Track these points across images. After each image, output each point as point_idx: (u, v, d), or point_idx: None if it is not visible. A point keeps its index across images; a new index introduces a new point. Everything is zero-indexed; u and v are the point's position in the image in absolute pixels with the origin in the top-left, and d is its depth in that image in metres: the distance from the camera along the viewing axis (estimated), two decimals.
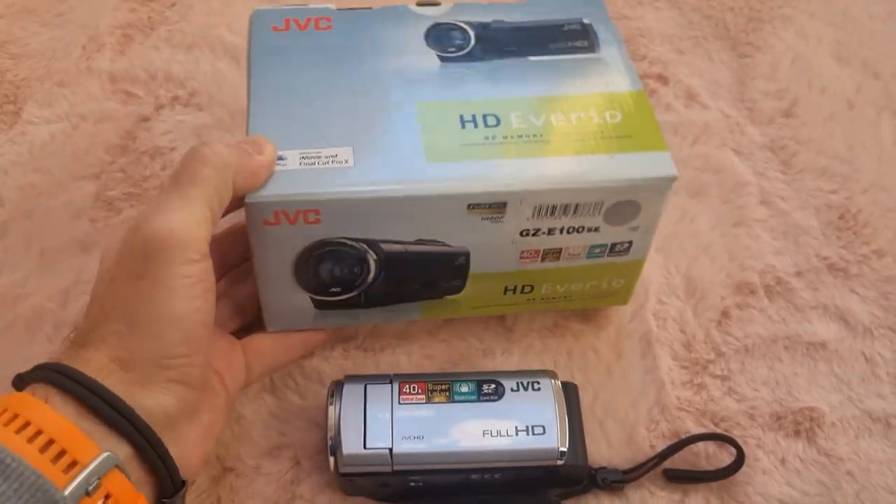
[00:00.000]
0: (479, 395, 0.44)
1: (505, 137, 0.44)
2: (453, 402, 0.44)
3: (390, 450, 0.42)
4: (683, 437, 0.48)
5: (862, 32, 0.67)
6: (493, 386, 0.44)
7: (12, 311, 0.53)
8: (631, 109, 0.46)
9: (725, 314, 0.53)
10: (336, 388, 0.44)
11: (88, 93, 0.63)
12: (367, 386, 0.44)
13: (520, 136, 0.44)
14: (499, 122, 0.45)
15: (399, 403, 0.43)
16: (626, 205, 0.44)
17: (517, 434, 0.43)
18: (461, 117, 0.45)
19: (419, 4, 0.50)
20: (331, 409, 0.44)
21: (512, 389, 0.44)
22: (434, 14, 0.50)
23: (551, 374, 0.45)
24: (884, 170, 0.60)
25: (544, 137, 0.44)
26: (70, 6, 0.67)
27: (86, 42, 0.65)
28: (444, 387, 0.44)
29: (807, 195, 0.59)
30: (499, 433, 0.43)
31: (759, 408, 0.50)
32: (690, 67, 0.64)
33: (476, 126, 0.45)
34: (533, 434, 0.43)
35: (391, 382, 0.44)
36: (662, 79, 0.63)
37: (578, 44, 0.49)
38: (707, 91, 0.63)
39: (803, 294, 0.54)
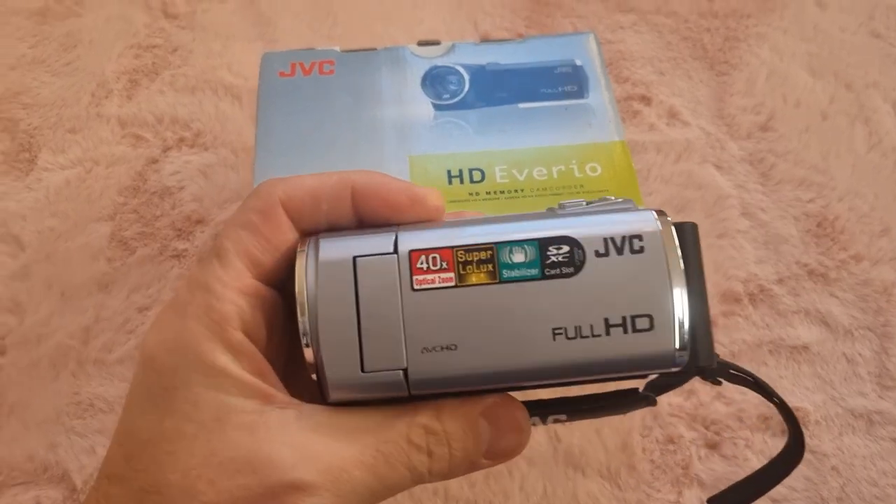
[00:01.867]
0: (544, 268, 0.28)
1: (488, 193, 0.47)
2: (501, 281, 0.28)
3: (405, 371, 0.28)
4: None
5: (833, 45, 0.70)
6: (565, 250, 0.29)
7: (36, 349, 0.56)
8: (611, 162, 0.48)
9: (712, 323, 0.56)
10: (308, 258, 0.29)
11: (99, 138, 0.66)
12: (358, 260, 0.29)
13: (502, 192, 0.47)
14: (483, 176, 0.47)
15: (413, 289, 0.28)
16: None
17: (608, 332, 0.28)
18: (448, 172, 0.48)
19: (420, 44, 0.53)
20: (301, 296, 0.29)
21: (597, 253, 0.29)
22: (432, 55, 0.53)
23: (656, 216, 0.29)
24: (858, 177, 0.63)
25: (525, 192, 0.47)
26: (77, 55, 0.70)
27: (94, 89, 0.69)
28: (484, 255, 0.29)
29: (786, 205, 0.61)
30: (578, 333, 0.28)
31: (746, 410, 0.52)
32: (671, 87, 0.67)
33: (462, 182, 0.47)
34: (634, 330, 0.28)
35: (396, 252, 0.29)
36: (645, 99, 0.66)
37: (569, 88, 0.51)
38: (688, 109, 0.66)
39: (785, 300, 0.57)
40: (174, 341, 0.29)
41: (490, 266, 0.28)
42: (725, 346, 0.55)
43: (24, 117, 0.67)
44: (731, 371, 0.33)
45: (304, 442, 0.29)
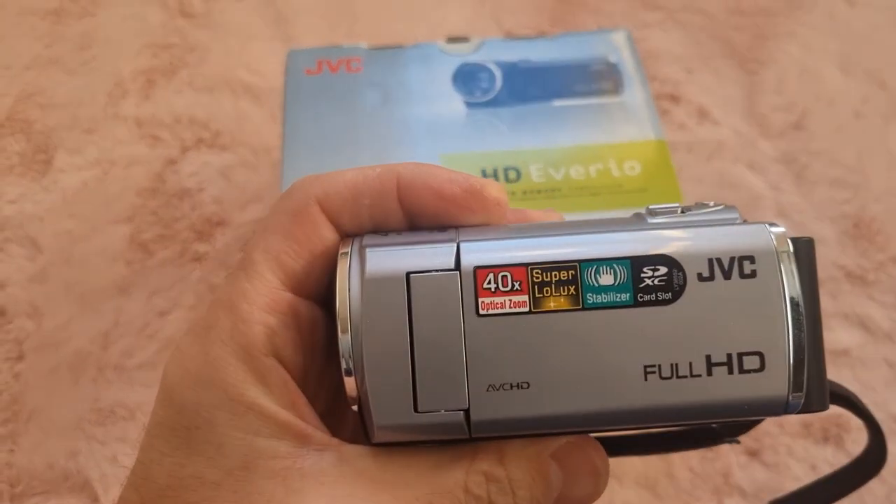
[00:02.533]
0: (637, 293, 0.24)
1: (525, 192, 0.45)
2: (585, 308, 0.24)
3: (466, 412, 0.24)
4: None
5: (865, 43, 0.68)
6: (663, 272, 0.24)
7: (56, 355, 0.55)
8: (650, 161, 0.47)
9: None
10: (351, 266, 0.25)
11: (116, 138, 0.65)
12: (412, 277, 0.24)
13: (539, 192, 0.46)
14: (519, 175, 0.46)
15: (478, 314, 0.24)
16: None
17: (710, 371, 0.24)
18: (483, 171, 0.46)
19: (449, 40, 0.52)
20: (342, 310, 0.24)
21: (700, 277, 0.24)
22: (462, 52, 0.52)
23: (771, 231, 0.25)
24: (894, 177, 0.61)
25: (563, 192, 0.45)
26: (93, 55, 0.69)
27: (111, 89, 0.67)
28: (565, 276, 0.24)
29: (821, 206, 0.60)
30: (675, 372, 0.24)
31: (788, 417, 0.51)
32: (700, 86, 0.66)
33: (497, 180, 0.46)
34: (741, 370, 0.24)
35: (458, 269, 0.24)
36: (674, 98, 0.65)
37: (604, 86, 0.50)
38: (718, 108, 0.64)
39: (823, 303, 0.56)
40: (196, 373, 0.25)
41: (572, 288, 0.24)
42: None
43: (39, 118, 0.66)
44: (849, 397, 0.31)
45: (343, 494, 0.25)
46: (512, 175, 0.46)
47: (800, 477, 0.49)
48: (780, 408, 0.24)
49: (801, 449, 0.50)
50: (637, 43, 0.68)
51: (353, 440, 0.26)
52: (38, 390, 0.53)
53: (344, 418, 0.29)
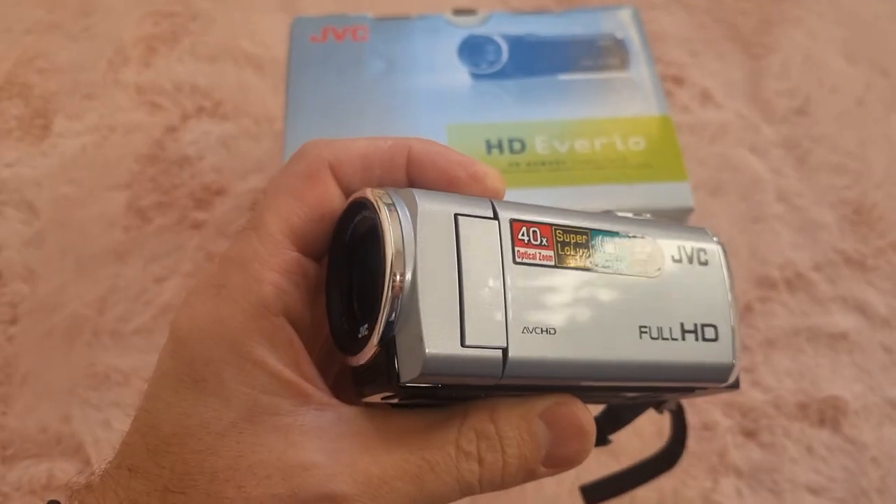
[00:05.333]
0: (632, 264, 0.27)
1: (529, 164, 0.45)
2: (597, 269, 0.26)
3: (504, 351, 0.24)
4: None
5: (869, 32, 0.68)
6: (646, 249, 0.28)
7: (51, 319, 0.54)
8: (655, 136, 0.47)
9: (748, 308, 0.55)
10: (397, 207, 0.25)
11: (116, 104, 0.64)
12: (459, 218, 0.25)
13: (543, 164, 0.45)
14: (524, 147, 0.46)
15: (515, 261, 0.25)
16: None
17: (683, 337, 0.27)
18: (487, 142, 0.46)
19: (455, 12, 0.52)
20: (392, 247, 0.24)
21: (673, 259, 0.28)
22: (469, 24, 0.51)
23: (712, 236, 0.29)
24: (895, 165, 0.61)
25: (567, 165, 0.45)
26: (95, 20, 0.69)
27: (112, 55, 0.67)
28: (581, 239, 0.26)
29: (822, 191, 0.60)
30: (661, 334, 0.27)
31: (784, 398, 0.51)
32: (704, 69, 0.66)
33: (501, 151, 0.46)
34: (703, 338, 0.28)
35: (496, 218, 0.25)
36: (678, 80, 0.65)
37: (610, 61, 0.50)
38: (721, 91, 0.64)
39: (822, 287, 0.56)
40: (207, 328, 0.26)
41: (587, 251, 0.26)
42: (762, 332, 0.53)
43: (39, 82, 0.65)
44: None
45: (341, 448, 0.25)
46: (517, 146, 0.46)
47: (795, 458, 0.49)
48: (726, 373, 0.28)
49: (798, 430, 0.50)
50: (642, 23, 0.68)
51: (353, 403, 0.27)
52: (31, 354, 0.53)
53: (342, 380, 0.29)
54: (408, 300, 0.24)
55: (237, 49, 0.67)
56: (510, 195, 0.29)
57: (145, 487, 0.25)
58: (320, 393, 0.26)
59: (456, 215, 0.25)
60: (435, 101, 0.48)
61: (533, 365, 0.25)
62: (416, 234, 0.24)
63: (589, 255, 0.26)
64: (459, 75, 0.49)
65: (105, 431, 0.50)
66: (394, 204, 0.25)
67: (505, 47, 0.50)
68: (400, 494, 0.25)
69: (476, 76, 0.49)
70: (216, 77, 0.66)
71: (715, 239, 0.29)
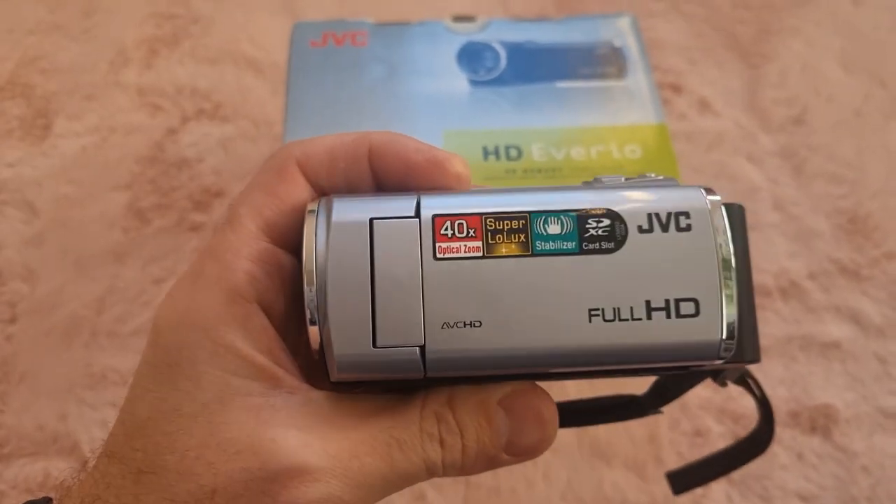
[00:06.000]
0: (582, 242, 0.26)
1: (525, 171, 0.46)
2: (534, 254, 0.25)
3: (421, 348, 0.25)
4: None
5: (867, 43, 0.68)
6: (606, 223, 0.26)
7: (49, 318, 0.55)
8: (651, 145, 0.47)
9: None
10: (318, 218, 0.26)
11: (117, 106, 0.64)
12: (375, 222, 0.26)
13: (539, 171, 0.46)
14: (520, 154, 0.46)
15: (435, 257, 0.25)
16: None
17: (649, 316, 0.25)
18: (484, 148, 0.46)
19: (455, 18, 0.52)
20: (308, 263, 0.26)
21: (641, 229, 0.26)
22: (468, 30, 0.52)
23: (705, 193, 0.27)
24: (892, 175, 0.61)
25: (563, 172, 0.46)
26: (96, 22, 0.69)
27: (113, 57, 0.67)
28: (516, 224, 0.26)
29: (817, 200, 0.60)
30: (617, 315, 0.25)
31: (776, 405, 0.51)
32: (702, 77, 0.66)
33: (498, 158, 0.46)
34: (678, 315, 0.25)
35: (418, 216, 0.26)
36: (676, 88, 0.65)
37: (607, 69, 0.50)
38: (719, 100, 0.65)
39: (816, 296, 0.56)
40: (182, 316, 0.27)
41: (522, 236, 0.25)
42: None
43: (40, 83, 0.66)
44: (747, 378, 0.33)
45: (311, 425, 0.26)
46: (513, 153, 0.46)
47: (786, 465, 0.49)
48: (713, 352, 0.26)
49: (789, 437, 0.50)
50: (641, 32, 0.68)
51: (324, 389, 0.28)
52: (30, 353, 0.53)
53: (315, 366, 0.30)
54: (323, 306, 0.25)
55: (237, 52, 0.67)
56: None
57: (120, 471, 0.26)
58: (291, 377, 0.27)
59: (371, 220, 0.26)
60: (433, 106, 0.48)
61: (457, 360, 0.25)
62: (328, 244, 0.25)
63: (526, 240, 0.25)
64: (458, 82, 0.49)
65: (101, 431, 0.51)
66: (317, 214, 0.26)
67: (503, 54, 0.51)
68: (369, 469, 0.26)
69: (474, 83, 0.49)
70: (216, 79, 0.66)
71: (707, 200, 0.26)
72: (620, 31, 0.52)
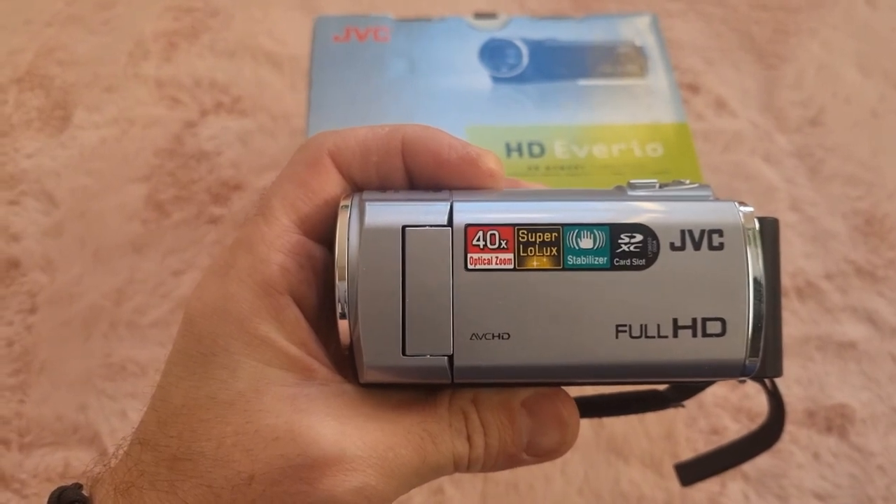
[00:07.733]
0: (613, 258, 0.26)
1: (548, 168, 0.46)
2: (565, 268, 0.26)
3: (450, 358, 0.26)
4: None
5: (883, 44, 0.69)
6: (638, 240, 0.26)
7: (68, 308, 0.55)
8: (672, 143, 0.47)
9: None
10: (351, 218, 0.27)
11: (136, 98, 0.65)
12: (407, 230, 0.26)
13: (562, 168, 0.46)
14: (543, 151, 0.46)
15: (466, 268, 0.26)
16: None
17: (676, 334, 0.26)
18: (507, 145, 0.47)
19: (476, 16, 0.52)
20: (341, 260, 0.26)
21: (672, 246, 0.26)
22: (490, 27, 0.52)
23: (740, 208, 0.26)
24: None
25: (586, 169, 0.46)
26: (115, 14, 0.69)
27: (132, 49, 0.67)
28: (548, 238, 0.26)
29: (834, 201, 0.60)
30: (644, 332, 0.26)
31: (792, 405, 0.51)
32: (719, 77, 0.66)
33: (521, 155, 0.46)
34: (704, 334, 0.26)
35: (450, 225, 0.26)
36: (693, 88, 0.65)
37: (629, 68, 0.50)
38: (736, 100, 0.65)
39: (832, 296, 0.56)
40: (215, 306, 0.27)
41: (554, 250, 0.25)
42: None
43: (59, 74, 0.66)
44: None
45: (347, 415, 0.26)
46: (536, 150, 0.46)
47: (802, 464, 0.49)
48: (737, 370, 0.26)
49: (805, 437, 0.50)
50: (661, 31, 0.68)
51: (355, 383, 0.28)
52: (49, 343, 0.54)
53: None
54: (354, 311, 0.26)
55: (256, 45, 0.67)
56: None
57: (154, 458, 0.26)
58: (325, 369, 0.27)
59: (404, 227, 0.26)
60: (455, 102, 0.48)
61: (484, 370, 0.26)
62: (360, 250, 0.26)
63: (558, 254, 0.25)
64: (480, 78, 0.50)
65: (121, 422, 0.51)
66: (349, 214, 0.26)
67: (525, 52, 0.51)
68: (403, 461, 0.27)
69: (496, 79, 0.50)
70: (235, 73, 0.66)
71: (739, 216, 0.26)
72: (641, 30, 0.53)
